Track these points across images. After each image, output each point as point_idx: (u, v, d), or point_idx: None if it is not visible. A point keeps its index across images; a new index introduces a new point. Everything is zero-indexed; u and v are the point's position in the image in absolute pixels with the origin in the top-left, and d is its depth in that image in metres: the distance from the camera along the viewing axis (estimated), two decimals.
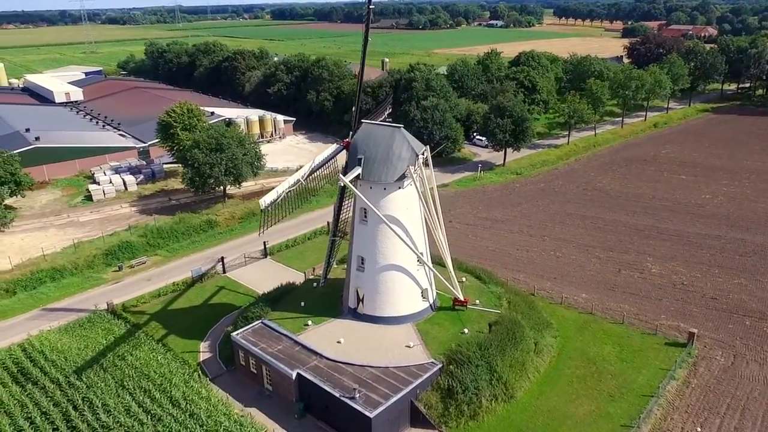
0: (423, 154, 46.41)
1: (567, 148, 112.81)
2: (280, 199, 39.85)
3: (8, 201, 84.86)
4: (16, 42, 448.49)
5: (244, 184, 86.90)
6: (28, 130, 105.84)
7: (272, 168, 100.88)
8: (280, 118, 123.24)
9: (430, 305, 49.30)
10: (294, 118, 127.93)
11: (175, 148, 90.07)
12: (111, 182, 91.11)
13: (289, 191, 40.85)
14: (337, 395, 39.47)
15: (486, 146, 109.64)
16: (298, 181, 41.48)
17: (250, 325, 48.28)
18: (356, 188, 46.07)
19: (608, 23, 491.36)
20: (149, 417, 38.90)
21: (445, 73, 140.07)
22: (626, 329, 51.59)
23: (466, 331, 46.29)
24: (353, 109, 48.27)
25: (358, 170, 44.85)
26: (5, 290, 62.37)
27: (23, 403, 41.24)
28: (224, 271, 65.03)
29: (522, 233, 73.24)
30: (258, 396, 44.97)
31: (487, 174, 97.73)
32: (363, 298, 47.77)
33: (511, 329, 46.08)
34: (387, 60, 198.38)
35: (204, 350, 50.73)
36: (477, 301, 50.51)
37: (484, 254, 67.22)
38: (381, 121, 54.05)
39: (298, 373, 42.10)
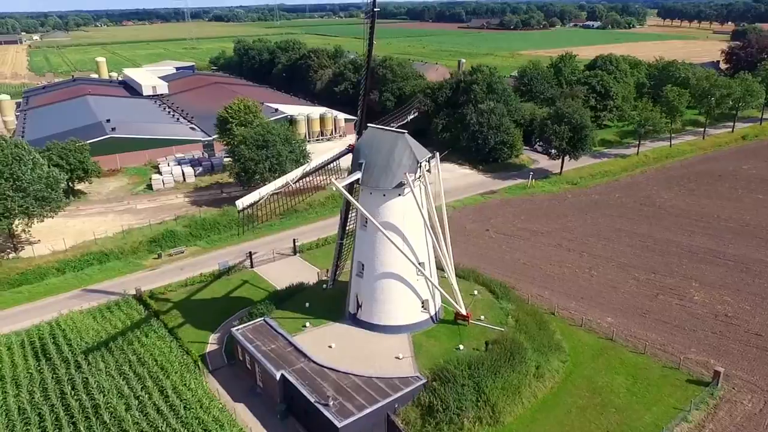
0: (428, 161, 45.05)
1: (635, 158, 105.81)
2: (262, 200, 40.09)
3: (80, 186, 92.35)
4: (130, 37, 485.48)
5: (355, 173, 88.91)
6: (108, 120, 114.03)
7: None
8: (341, 116, 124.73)
9: (431, 317, 47.93)
10: (356, 118, 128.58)
11: (229, 143, 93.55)
12: (171, 173, 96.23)
13: (276, 193, 40.92)
14: (312, 400, 39.32)
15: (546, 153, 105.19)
16: (287, 183, 41.52)
17: (252, 322, 49.20)
18: (358, 193, 45.74)
19: (718, 25, 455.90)
20: (137, 402, 40.64)
21: (516, 76, 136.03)
22: (646, 360, 47.54)
23: (461, 347, 44.59)
24: (358, 111, 47.61)
25: (357, 175, 44.46)
26: (56, 269, 67.58)
27: (32, 376, 44.51)
28: (252, 266, 66.72)
29: (560, 247, 69.53)
30: (249, 392, 45.71)
31: (540, 182, 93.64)
32: (362, 304, 47.32)
33: (509, 349, 43.81)
34: (464, 61, 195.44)
35: (212, 342, 52.27)
36: (482, 317, 48.51)
37: (513, 267, 64.48)
38: (403, 124, 53.33)
39: (282, 374, 42.38)
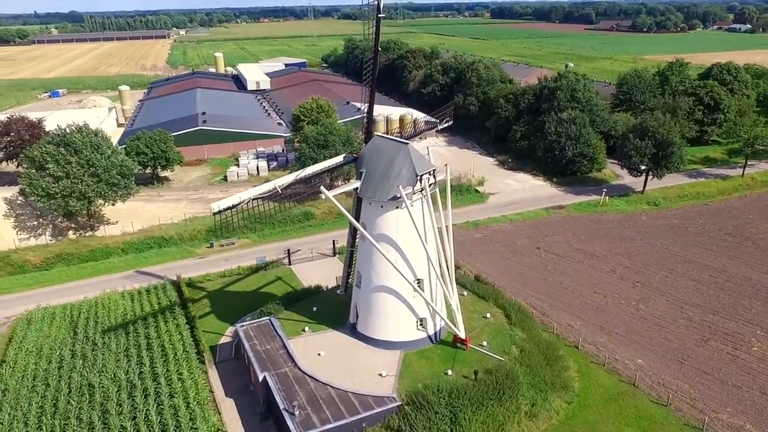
0: (430, 174, 43.08)
1: (737, 180, 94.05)
2: (243, 205, 40.27)
3: (165, 173, 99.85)
4: (261, 34, 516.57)
5: (353, 181, 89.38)
6: (203, 113, 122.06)
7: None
8: (422, 118, 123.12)
9: (429, 336, 45.90)
10: (437, 120, 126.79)
11: (300, 140, 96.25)
12: (247, 166, 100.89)
13: (260, 198, 40.95)
14: (281, 407, 39.26)
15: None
16: (274, 189, 41.46)
17: (258, 320, 50.19)
18: (359, 203, 44.88)
19: None
20: (128, 386, 43.06)
21: (613, 84, 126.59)
22: (667, 414, 42.02)
23: (450, 372, 42.26)
24: (364, 119, 46.58)
25: (355, 184, 43.60)
26: (121, 250, 73.56)
27: (56, 348, 48.78)
28: (290, 263, 68.08)
29: (613, 274, 63.59)
30: (242, 389, 46.60)
31: (615, 200, 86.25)
32: (359, 315, 46.48)
33: (500, 382, 40.75)
34: (571, 64, 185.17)
35: (227, 335, 53.94)
36: (484, 343, 45.61)
37: (552, 290, 60.02)
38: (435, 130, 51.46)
39: (264, 376, 42.76)
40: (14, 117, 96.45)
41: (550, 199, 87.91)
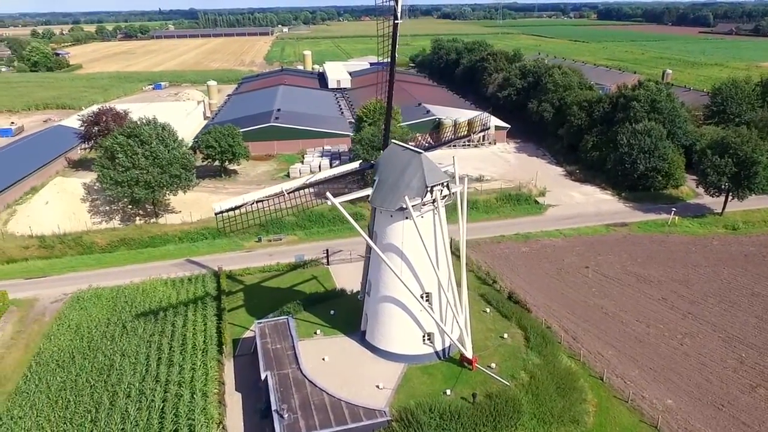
0: (443, 186, 41.66)
1: None
2: (245, 207, 40.86)
3: (234, 167, 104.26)
4: (358, 32, 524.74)
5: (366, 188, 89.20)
6: (279, 110, 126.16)
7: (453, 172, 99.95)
8: (492, 122, 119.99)
9: (437, 352, 44.55)
10: (509, 126, 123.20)
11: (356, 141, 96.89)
12: (310, 164, 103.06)
13: (264, 202, 41.34)
14: (273, 408, 39.69)
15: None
16: (280, 192, 41.74)
17: (276, 318, 51.08)
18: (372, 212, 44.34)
19: None
20: (143, 371, 45.33)
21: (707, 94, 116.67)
22: None
23: (448, 392, 40.80)
24: (383, 127, 45.74)
25: (366, 192, 43.13)
26: (178, 238, 77.66)
27: (92, 327, 52.34)
28: (328, 263, 68.73)
29: (663, 302, 58.59)
30: (252, 385, 47.55)
31: (687, 221, 79.38)
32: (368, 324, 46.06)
33: (498, 408, 38.80)
34: (669, 72, 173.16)
35: (251, 329, 55.30)
36: (492, 365, 43.59)
37: (590, 315, 56.31)
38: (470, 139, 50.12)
39: (267, 375, 43.44)
40: (104, 108, 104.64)
41: (614, 215, 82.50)
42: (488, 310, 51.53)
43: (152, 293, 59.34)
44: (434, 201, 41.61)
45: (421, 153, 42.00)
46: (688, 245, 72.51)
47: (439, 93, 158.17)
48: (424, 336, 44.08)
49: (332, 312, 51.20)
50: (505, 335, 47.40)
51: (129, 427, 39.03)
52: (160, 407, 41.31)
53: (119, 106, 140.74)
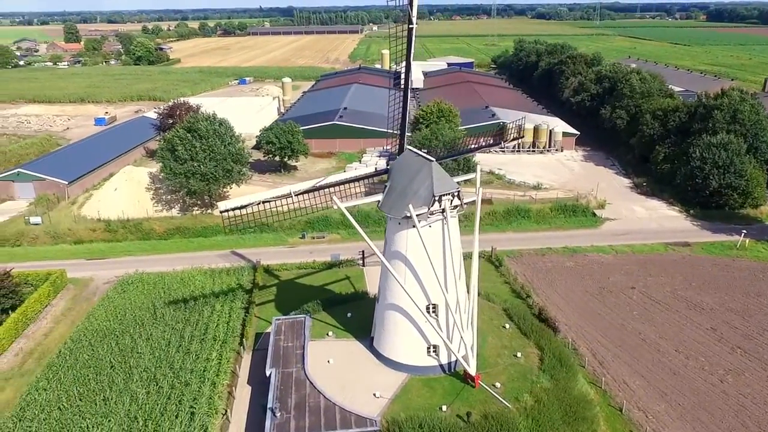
0: (453, 196, 40.39)
1: None
2: (250, 207, 41.41)
3: (295, 163, 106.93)
4: (445, 32, 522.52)
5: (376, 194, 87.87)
6: (345, 108, 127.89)
7: (510, 179, 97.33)
8: (559, 129, 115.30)
9: (442, 365, 43.39)
10: (578, 132, 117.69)
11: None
12: (366, 163, 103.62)
13: (271, 201, 41.70)
14: (268, 405, 40.31)
15: None
16: (288, 194, 41.99)
17: (294, 316, 51.84)
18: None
19: None
20: (163, 357, 47.50)
21: None
22: None
23: (444, 408, 39.61)
24: (399, 132, 45.00)
25: (375, 197, 42.70)
26: (228, 230, 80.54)
27: (128, 311, 55.51)
28: (363, 265, 68.85)
29: (712, 333, 53.76)
30: (264, 379, 48.26)
31: (760, 245, 72.24)
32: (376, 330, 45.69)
33: (491, 431, 37.19)
34: None
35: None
36: (497, 384, 41.83)
37: (623, 339, 52.71)
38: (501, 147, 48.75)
39: (272, 372, 44.18)
40: (178, 102, 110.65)
41: (677, 234, 76.73)
42: (508, 325, 49.55)
43: (190, 282, 62.05)
44: (443, 211, 40.41)
45: (432, 161, 40.98)
46: (755, 272, 66.12)
47: (512, 96, 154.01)
48: (429, 348, 43.10)
49: (349, 314, 51.22)
50: (519, 354, 45.37)
51: (134, 408, 41.07)
52: (168, 393, 43.09)
53: (200, 100, 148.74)
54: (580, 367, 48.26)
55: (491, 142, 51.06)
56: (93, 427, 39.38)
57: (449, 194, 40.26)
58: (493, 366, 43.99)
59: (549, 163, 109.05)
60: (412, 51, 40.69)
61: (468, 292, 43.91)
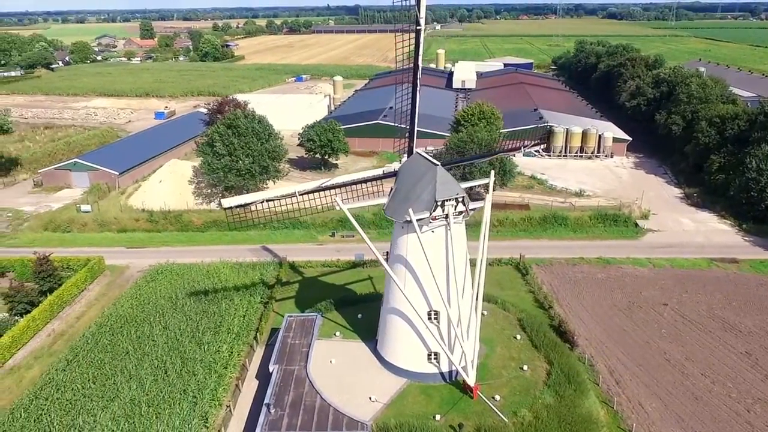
0: (457, 201, 39.49)
1: None
2: (255, 205, 41.76)
3: (337, 161, 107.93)
4: (508, 31, 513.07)
5: (497, 192, 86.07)
6: (391, 107, 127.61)
7: (552, 185, 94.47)
8: (609, 134, 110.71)
9: (442, 373, 42.59)
10: (630, 138, 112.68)
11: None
12: None
13: (275, 201, 41.92)
14: (265, 402, 40.80)
15: None
16: (293, 194, 42.13)
17: (306, 314, 52.28)
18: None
19: None
20: (175, 346, 49.00)
21: None
22: None
23: (438, 417, 38.87)
24: (406, 134, 44.34)
25: (379, 200, 42.37)
26: (263, 225, 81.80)
27: (152, 297, 57.66)
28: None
29: (746, 358, 50.14)
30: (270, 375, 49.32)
31: None
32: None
33: None
34: None
35: None
36: (497, 397, 40.63)
37: (645, 358, 50.02)
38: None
39: (275, 369, 44.71)
40: (227, 98, 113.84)
41: (724, 249, 72.15)
42: (519, 336, 48.08)
43: (215, 274, 63.72)
44: (446, 216, 39.59)
45: (437, 165, 40.22)
46: None
47: (565, 99, 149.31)
48: (429, 355, 42.40)
49: (359, 316, 51.16)
50: (525, 367, 43.92)
51: (138, 394, 42.61)
52: (174, 381, 44.40)
53: (254, 96, 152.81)
54: (594, 384, 46.22)
55: (510, 147, 49.62)
56: (99, 409, 41.14)
57: (453, 200, 39.40)
58: (496, 377, 42.83)
59: (596, 169, 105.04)
60: (420, 53, 39.86)
61: (476, 299, 42.80)
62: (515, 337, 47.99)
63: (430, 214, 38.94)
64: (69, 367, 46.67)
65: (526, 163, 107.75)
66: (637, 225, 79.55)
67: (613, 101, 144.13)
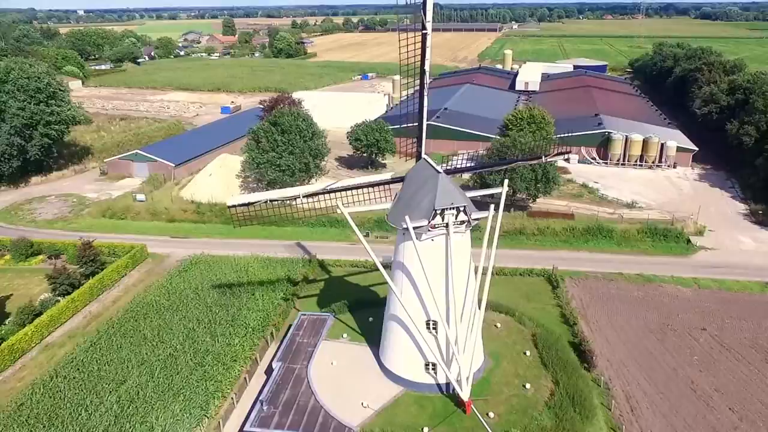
0: (458, 210, 38.43)
1: None
2: (257, 205, 42.18)
3: (386, 161, 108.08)
4: (587, 31, 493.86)
5: (542, 200, 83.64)
6: (446, 109, 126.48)
7: (603, 195, 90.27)
8: (673, 143, 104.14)
9: (439, 385, 41.68)
10: (696, 148, 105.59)
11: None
12: (455, 165, 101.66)
13: (278, 201, 42.21)
14: (260, 397, 41.49)
15: None
16: (297, 196, 42.30)
17: (318, 314, 52.74)
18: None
19: None
20: (190, 335, 50.77)
21: None
22: None
23: (426, 429, 38.10)
24: (415, 139, 43.53)
25: (383, 205, 41.88)
26: (301, 221, 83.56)
27: (179, 285, 60.00)
28: None
29: None
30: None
31: None
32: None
33: None
34: None
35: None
36: (491, 414, 39.28)
37: (669, 386, 46.77)
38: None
39: (278, 366, 45.36)
40: (283, 95, 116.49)
41: None
42: (529, 352, 46.28)
43: (243, 268, 65.44)
44: (446, 226, 38.64)
45: (440, 172, 39.34)
46: None
47: (633, 104, 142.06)
48: (427, 365, 41.60)
49: (370, 319, 50.97)
50: (528, 385, 42.21)
51: (144, 380, 44.47)
52: (180, 369, 46.00)
53: (317, 93, 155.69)
54: (606, 409, 43.76)
55: (529, 158, 47.85)
56: (107, 392, 43.34)
57: (453, 209, 38.39)
58: (496, 394, 41.46)
59: (655, 179, 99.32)
60: (427, 58, 38.97)
61: (475, 312, 41.63)
62: (525, 353, 46.26)
63: (429, 222, 38.14)
64: (92, 348, 49.40)
65: (580, 170, 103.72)
66: (689, 241, 74.55)
67: (686, 108, 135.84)
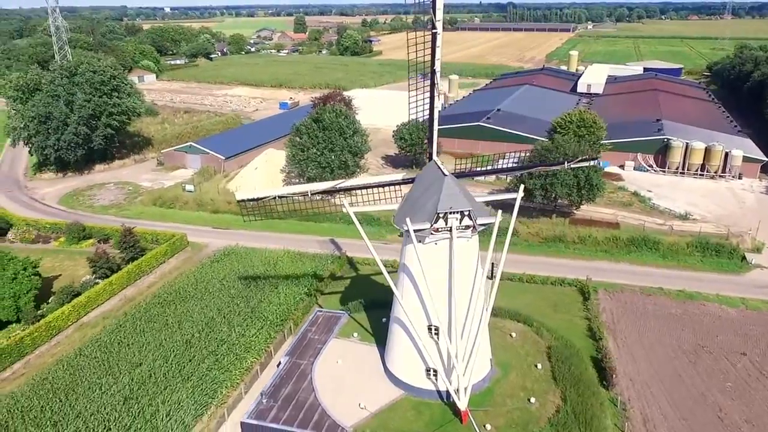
0: (463, 215, 37.39)
1: None
2: (264, 201, 42.42)
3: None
4: (667, 32, 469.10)
5: (587, 207, 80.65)
6: (498, 110, 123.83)
7: (655, 204, 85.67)
8: (739, 153, 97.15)
9: (439, 392, 40.78)
10: (766, 159, 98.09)
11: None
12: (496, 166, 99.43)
13: (286, 197, 42.35)
14: (262, 389, 42.05)
15: None
16: (305, 193, 42.32)
17: (334, 311, 52.93)
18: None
19: None
20: (206, 326, 52.17)
21: None
22: None
23: None
24: (425, 141, 42.57)
25: (390, 206, 41.36)
26: (338, 218, 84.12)
27: (207, 278, 61.71)
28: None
29: None
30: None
31: None
32: None
33: None
34: None
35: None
36: (488, 426, 38.02)
37: (695, 414, 43.73)
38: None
39: (286, 360, 45.87)
40: (333, 92, 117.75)
41: None
42: (540, 365, 44.51)
43: (272, 261, 66.66)
44: (450, 230, 37.71)
45: (447, 175, 38.45)
46: None
47: (702, 110, 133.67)
48: (428, 370, 40.81)
49: (384, 319, 50.52)
50: (533, 399, 40.58)
51: (158, 364, 46.09)
52: (193, 356, 47.35)
53: (373, 91, 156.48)
54: (619, 430, 41.45)
55: (553, 163, 45.93)
56: (124, 373, 45.22)
57: (456, 213, 37.41)
58: (498, 406, 40.14)
59: (716, 190, 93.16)
60: (438, 58, 38.11)
61: (481, 320, 40.44)
62: (536, 366, 44.54)
63: (431, 225, 37.35)
64: (117, 330, 51.77)
65: (635, 178, 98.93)
66: (743, 258, 69.43)
67: (762, 115, 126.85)
